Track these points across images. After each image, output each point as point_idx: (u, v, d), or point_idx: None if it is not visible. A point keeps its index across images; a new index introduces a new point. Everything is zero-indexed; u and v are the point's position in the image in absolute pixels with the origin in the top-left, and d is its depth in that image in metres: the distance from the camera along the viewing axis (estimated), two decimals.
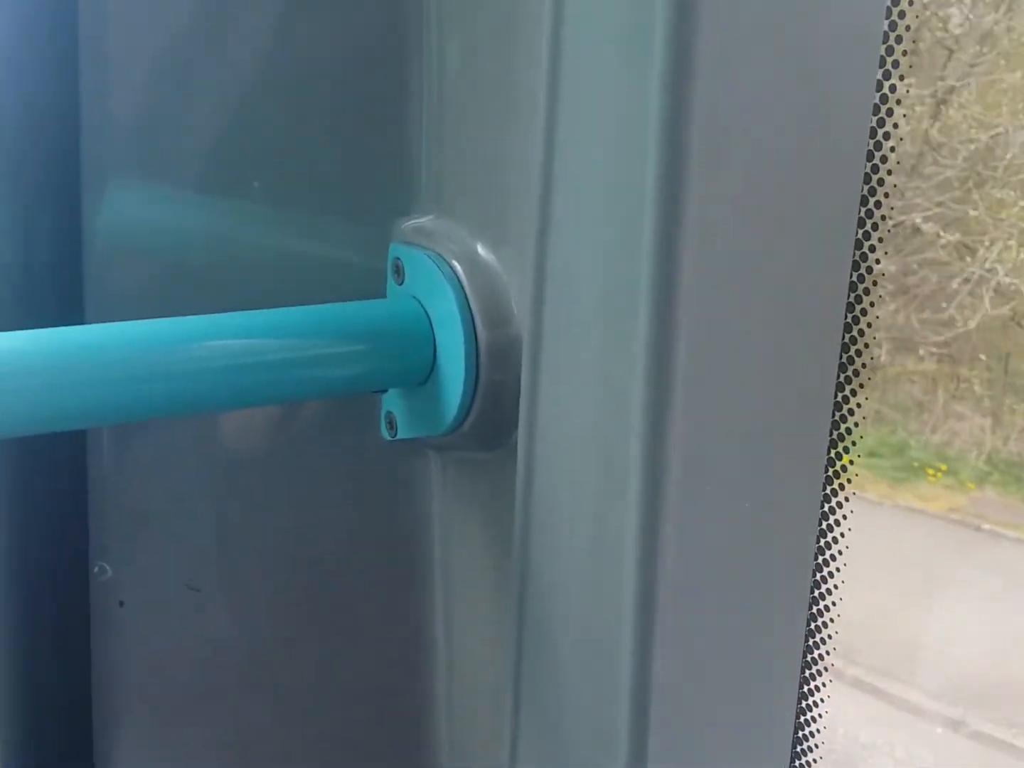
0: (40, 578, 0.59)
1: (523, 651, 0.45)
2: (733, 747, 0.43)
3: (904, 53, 0.37)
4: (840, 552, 0.43)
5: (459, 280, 0.47)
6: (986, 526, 3.42)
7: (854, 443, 0.40)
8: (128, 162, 0.54)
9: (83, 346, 0.42)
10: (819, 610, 0.44)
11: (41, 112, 0.55)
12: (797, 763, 0.46)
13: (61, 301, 0.56)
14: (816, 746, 0.45)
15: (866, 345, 0.39)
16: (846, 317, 0.39)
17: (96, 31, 0.53)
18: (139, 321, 0.44)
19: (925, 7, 0.37)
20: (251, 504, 0.56)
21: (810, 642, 0.45)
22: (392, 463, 0.54)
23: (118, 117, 0.54)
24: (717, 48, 0.35)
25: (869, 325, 0.39)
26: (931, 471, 3.57)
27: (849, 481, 0.41)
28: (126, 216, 0.54)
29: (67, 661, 0.60)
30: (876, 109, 0.38)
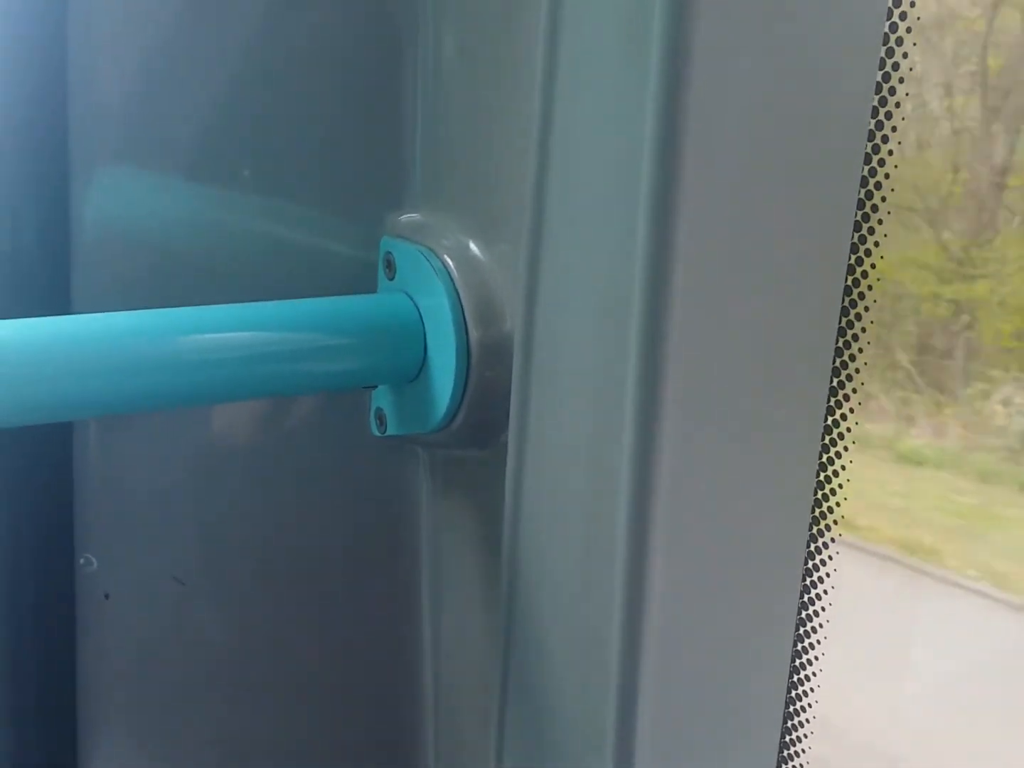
0: (25, 569, 0.59)
1: (511, 649, 0.44)
2: (721, 747, 0.43)
3: (905, 55, 0.36)
4: (831, 557, 0.43)
5: (451, 276, 0.46)
6: None
7: (847, 448, 0.40)
8: (117, 152, 0.53)
9: (69, 337, 0.42)
10: (808, 615, 0.44)
11: (28, 98, 0.54)
12: (785, 767, 0.46)
13: (48, 291, 0.55)
14: (806, 750, 0.45)
15: (860, 350, 0.39)
16: (840, 320, 0.39)
17: (85, 16, 0.52)
18: (126, 312, 0.43)
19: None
20: (238, 499, 0.56)
21: (799, 647, 0.44)
22: (381, 460, 0.53)
23: (107, 104, 0.53)
24: (715, 43, 0.34)
25: (864, 330, 0.38)
26: None
27: (840, 487, 0.41)
28: (114, 206, 0.53)
29: (51, 652, 0.60)
30: (875, 111, 0.37)
